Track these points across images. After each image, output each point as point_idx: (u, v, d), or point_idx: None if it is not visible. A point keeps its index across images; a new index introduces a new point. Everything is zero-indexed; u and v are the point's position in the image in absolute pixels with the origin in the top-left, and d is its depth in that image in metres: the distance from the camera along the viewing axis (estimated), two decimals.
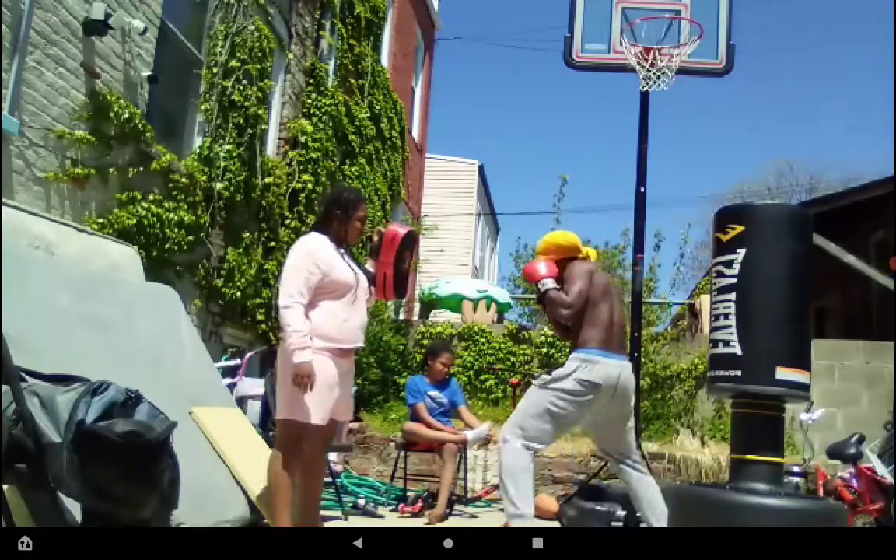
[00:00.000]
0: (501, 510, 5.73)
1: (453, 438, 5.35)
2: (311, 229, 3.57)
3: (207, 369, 4.22)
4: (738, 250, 3.68)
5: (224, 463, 3.64)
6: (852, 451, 5.41)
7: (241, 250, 7.20)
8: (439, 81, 31.68)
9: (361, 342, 3.47)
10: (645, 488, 3.69)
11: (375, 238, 3.61)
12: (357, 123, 10.09)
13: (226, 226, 7.04)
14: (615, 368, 3.58)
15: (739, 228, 3.71)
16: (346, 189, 4.14)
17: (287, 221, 8.04)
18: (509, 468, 3.45)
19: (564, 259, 3.81)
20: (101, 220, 5.40)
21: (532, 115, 59.00)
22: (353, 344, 3.40)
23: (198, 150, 6.79)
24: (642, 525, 3.69)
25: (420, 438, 5.50)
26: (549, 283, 3.68)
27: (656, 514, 3.66)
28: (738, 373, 3.59)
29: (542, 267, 3.75)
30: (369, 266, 3.57)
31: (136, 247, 4.88)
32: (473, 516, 5.56)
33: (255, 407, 5.45)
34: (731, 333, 3.63)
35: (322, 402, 3.23)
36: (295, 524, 3.26)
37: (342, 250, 3.44)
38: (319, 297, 3.27)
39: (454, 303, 10.71)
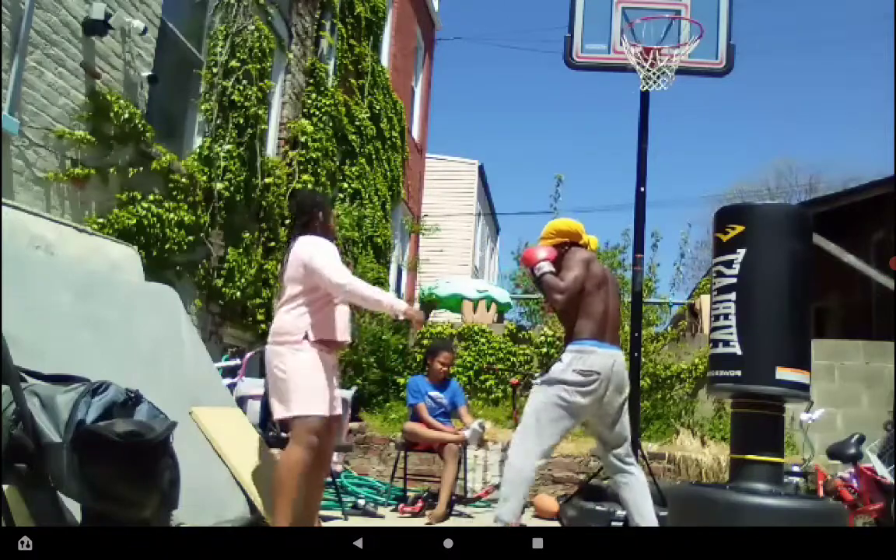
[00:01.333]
0: None
1: (453, 438, 5.35)
2: (296, 234, 3.65)
3: (207, 369, 4.22)
4: (738, 250, 3.68)
5: (224, 463, 3.64)
6: (852, 451, 5.41)
7: (241, 250, 7.20)
8: (439, 81, 31.69)
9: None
10: (630, 490, 3.67)
11: None
12: (357, 123, 10.08)
13: (226, 226, 7.04)
14: (609, 358, 3.58)
15: (739, 228, 3.71)
16: (316, 193, 4.27)
17: (287, 221, 8.03)
18: (512, 473, 3.47)
19: (566, 244, 3.82)
20: (101, 220, 5.40)
21: (532, 114, 59.03)
22: (347, 338, 3.61)
23: (198, 150, 6.79)
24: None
25: (420, 438, 5.50)
26: (546, 267, 3.67)
27: (643, 517, 3.63)
28: (738, 373, 3.59)
29: (541, 251, 3.75)
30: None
31: (136, 247, 4.88)
32: (473, 516, 5.56)
33: (255, 407, 5.44)
34: (731, 333, 3.63)
35: (329, 395, 3.41)
36: (297, 522, 3.29)
37: None
38: (325, 295, 3.44)
39: (454, 303, 10.71)
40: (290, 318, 3.42)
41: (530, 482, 3.52)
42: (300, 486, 3.28)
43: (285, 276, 3.53)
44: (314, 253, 3.44)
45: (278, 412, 3.42)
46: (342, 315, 3.54)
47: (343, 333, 3.54)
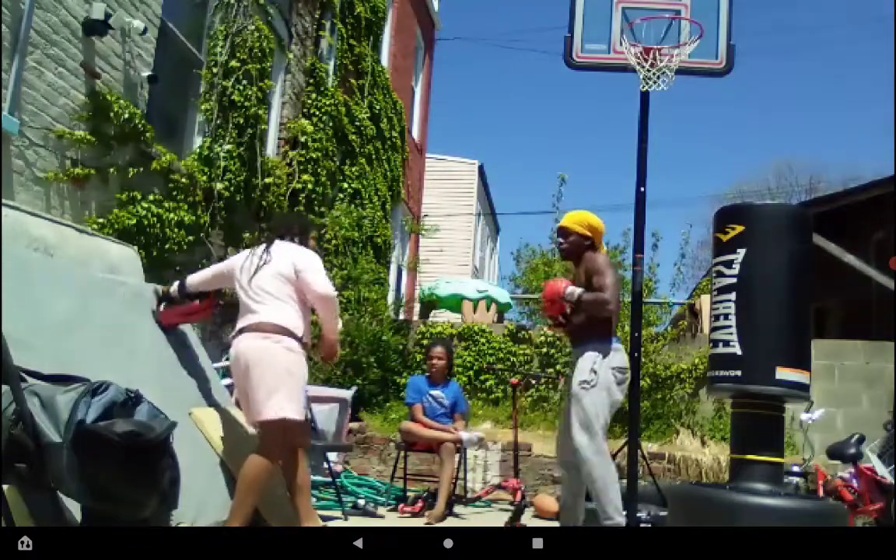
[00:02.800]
0: (501, 510, 5.75)
1: (448, 437, 5.35)
2: (289, 241, 3.73)
3: (207, 370, 4.22)
4: (738, 250, 3.68)
5: (224, 463, 3.64)
6: (852, 451, 5.41)
7: (241, 251, 7.20)
8: (439, 81, 31.62)
9: None
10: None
11: None
12: (357, 123, 10.08)
13: (226, 226, 7.04)
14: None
15: (739, 228, 3.71)
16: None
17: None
18: (600, 483, 3.54)
19: (587, 239, 3.92)
20: (101, 220, 5.40)
21: (532, 114, 59.05)
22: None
23: (198, 150, 6.79)
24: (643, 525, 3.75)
25: (416, 437, 5.50)
26: (577, 290, 3.77)
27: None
28: (738, 373, 3.59)
29: (560, 281, 3.91)
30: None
31: (136, 247, 4.88)
32: (473, 516, 5.56)
33: None
34: (731, 333, 3.63)
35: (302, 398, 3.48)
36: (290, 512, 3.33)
37: None
38: (305, 302, 3.52)
39: (454, 303, 10.70)
40: (290, 316, 3.41)
41: (617, 479, 3.61)
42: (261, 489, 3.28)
43: (278, 275, 3.49)
44: (314, 257, 3.61)
45: (271, 409, 3.25)
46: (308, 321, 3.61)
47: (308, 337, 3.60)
